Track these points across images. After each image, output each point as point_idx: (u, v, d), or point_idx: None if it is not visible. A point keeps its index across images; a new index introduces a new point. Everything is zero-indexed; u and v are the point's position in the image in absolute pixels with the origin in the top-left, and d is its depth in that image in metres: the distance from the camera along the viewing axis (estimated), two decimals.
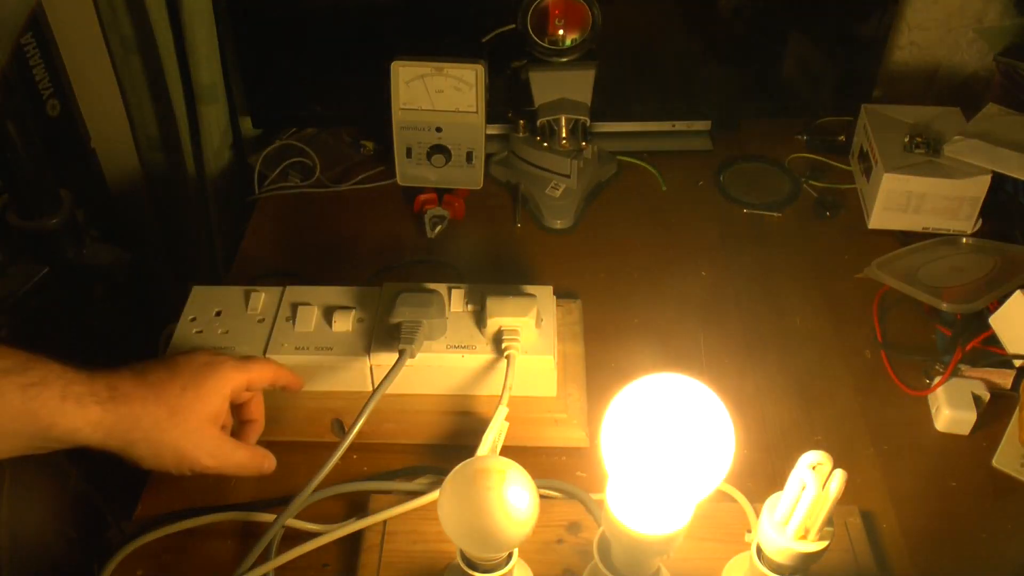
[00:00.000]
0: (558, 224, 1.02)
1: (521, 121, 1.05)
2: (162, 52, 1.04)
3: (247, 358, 0.71)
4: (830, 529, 0.57)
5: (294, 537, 0.69)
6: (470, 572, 0.58)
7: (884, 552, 0.70)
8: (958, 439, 0.80)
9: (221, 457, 0.65)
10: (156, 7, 1.01)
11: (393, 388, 0.73)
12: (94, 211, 1.13)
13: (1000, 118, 1.00)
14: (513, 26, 0.97)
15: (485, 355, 0.77)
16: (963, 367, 0.82)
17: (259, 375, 0.71)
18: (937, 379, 0.81)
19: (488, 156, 1.06)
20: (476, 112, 0.96)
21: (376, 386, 0.73)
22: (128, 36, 1.06)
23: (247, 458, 0.68)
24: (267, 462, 0.70)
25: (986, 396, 0.80)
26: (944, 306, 0.84)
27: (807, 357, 0.87)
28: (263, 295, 0.82)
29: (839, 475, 0.55)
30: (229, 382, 0.67)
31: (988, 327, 0.82)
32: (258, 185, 1.08)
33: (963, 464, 0.78)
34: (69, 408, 0.56)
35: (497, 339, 0.77)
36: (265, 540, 0.68)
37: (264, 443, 0.78)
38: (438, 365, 0.77)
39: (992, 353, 0.82)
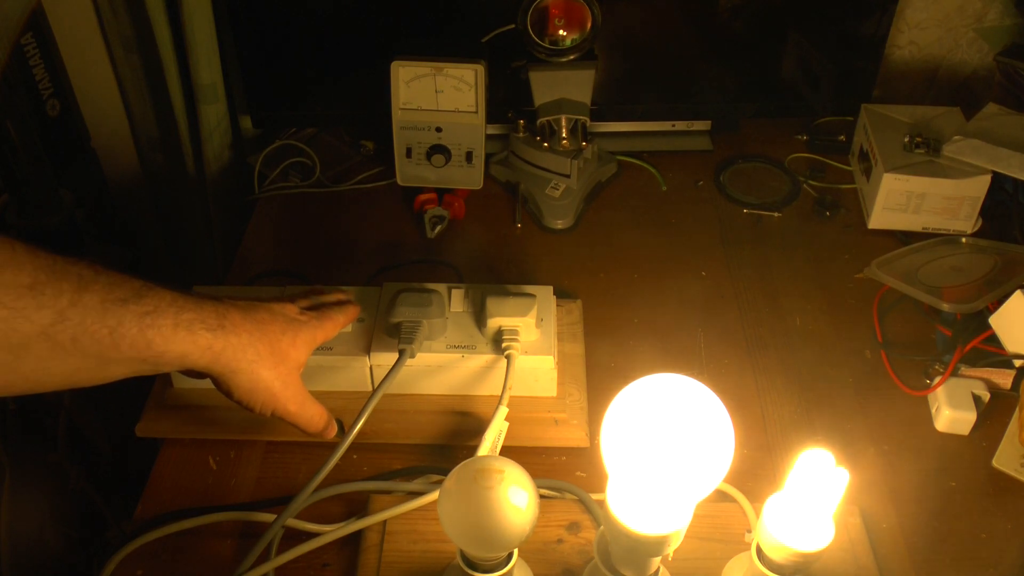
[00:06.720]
0: (558, 224, 1.02)
1: (521, 121, 1.05)
2: (162, 52, 1.04)
3: (323, 316, 0.71)
4: (830, 529, 0.57)
5: (294, 537, 0.69)
6: (470, 572, 0.58)
7: (884, 552, 0.70)
8: (958, 439, 0.80)
9: (301, 407, 0.66)
10: (156, 7, 1.01)
11: (393, 388, 0.73)
12: (94, 211, 1.13)
13: (1000, 118, 1.00)
14: (513, 26, 0.97)
15: (485, 355, 0.77)
16: (963, 367, 0.82)
17: (333, 332, 0.72)
18: (937, 379, 0.81)
19: (488, 156, 1.06)
20: (476, 112, 0.96)
21: (376, 386, 0.73)
22: (128, 36, 1.06)
23: (319, 415, 0.68)
24: (333, 426, 0.71)
25: (986, 396, 0.80)
26: (944, 306, 0.84)
27: (807, 357, 0.87)
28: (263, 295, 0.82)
29: (840, 475, 0.55)
30: (315, 340, 0.69)
31: (988, 327, 0.82)
32: (258, 185, 1.08)
33: (963, 464, 0.78)
34: (181, 335, 0.57)
35: (497, 339, 0.77)
36: (265, 540, 0.68)
37: (264, 443, 0.78)
38: (438, 365, 0.78)
39: (992, 353, 0.82)
